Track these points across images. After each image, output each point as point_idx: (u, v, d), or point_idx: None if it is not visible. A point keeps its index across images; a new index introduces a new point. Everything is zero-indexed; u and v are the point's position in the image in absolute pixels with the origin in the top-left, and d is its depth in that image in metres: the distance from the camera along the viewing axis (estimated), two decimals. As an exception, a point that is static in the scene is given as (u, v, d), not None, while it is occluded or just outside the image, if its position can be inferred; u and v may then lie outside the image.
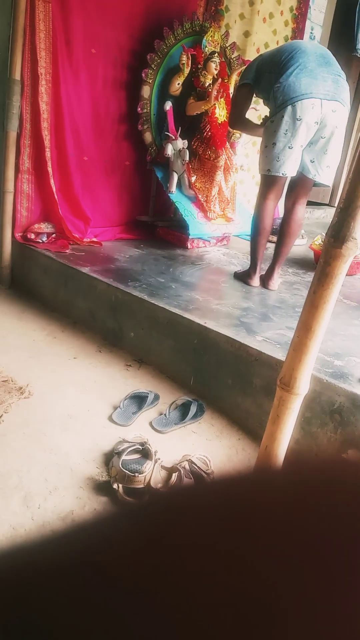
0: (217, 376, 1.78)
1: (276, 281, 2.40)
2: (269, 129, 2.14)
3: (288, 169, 2.15)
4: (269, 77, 2.14)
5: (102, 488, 1.33)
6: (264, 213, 2.30)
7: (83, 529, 0.15)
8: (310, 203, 3.67)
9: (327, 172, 2.24)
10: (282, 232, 2.32)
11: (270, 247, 2.48)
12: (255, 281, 2.40)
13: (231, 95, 3.12)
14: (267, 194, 2.26)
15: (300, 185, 2.26)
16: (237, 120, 2.40)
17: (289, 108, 2.04)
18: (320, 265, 1.02)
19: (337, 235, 0.97)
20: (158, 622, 0.12)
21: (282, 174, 2.16)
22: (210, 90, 2.92)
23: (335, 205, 3.59)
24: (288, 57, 2.08)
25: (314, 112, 2.05)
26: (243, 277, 2.45)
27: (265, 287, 2.39)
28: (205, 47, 2.96)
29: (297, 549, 0.13)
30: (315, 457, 0.16)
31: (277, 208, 2.61)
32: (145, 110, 2.91)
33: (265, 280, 2.41)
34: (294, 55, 2.07)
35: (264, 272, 2.44)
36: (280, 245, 2.34)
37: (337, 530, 0.13)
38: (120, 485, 1.30)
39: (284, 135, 2.09)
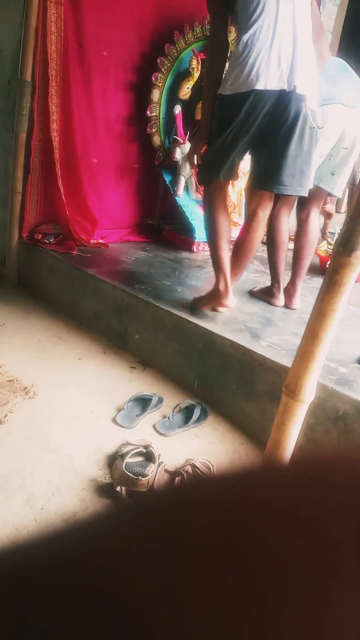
0: (221, 380, 1.78)
1: (298, 299, 2.20)
2: None
3: None
4: None
5: (105, 490, 1.33)
6: (280, 226, 2.12)
7: (80, 526, 0.15)
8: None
9: (343, 185, 2.12)
10: (300, 245, 2.17)
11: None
12: (280, 300, 2.19)
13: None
14: (280, 206, 2.10)
15: (314, 197, 2.10)
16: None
17: None
18: (329, 273, 1.02)
19: (346, 243, 0.98)
20: (155, 620, 0.12)
21: None
22: (219, 94, 2.93)
23: (341, 212, 3.55)
24: None
25: (336, 120, 1.92)
26: (265, 297, 2.24)
27: (288, 307, 2.19)
28: (216, 51, 2.97)
29: (301, 543, 0.13)
30: (321, 454, 0.16)
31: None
32: (154, 114, 2.92)
33: (286, 299, 2.22)
34: None
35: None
36: (299, 259, 2.17)
37: (345, 524, 0.13)
38: (123, 488, 1.30)
39: None
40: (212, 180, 1.84)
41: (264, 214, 1.90)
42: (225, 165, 1.78)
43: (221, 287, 1.89)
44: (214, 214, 1.88)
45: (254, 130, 1.71)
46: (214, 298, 1.92)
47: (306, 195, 1.87)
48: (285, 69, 1.63)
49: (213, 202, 1.89)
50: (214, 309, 1.96)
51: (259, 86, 1.62)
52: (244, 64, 1.62)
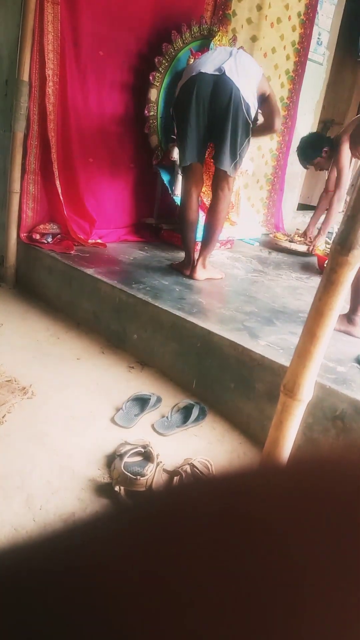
0: (220, 380, 1.78)
1: None
2: None
3: None
4: None
5: (103, 490, 1.33)
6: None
7: (79, 527, 0.15)
8: (311, 208, 3.68)
9: None
10: None
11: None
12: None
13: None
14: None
15: None
16: None
17: None
18: (326, 273, 1.02)
19: (344, 242, 0.98)
20: (152, 624, 0.11)
21: None
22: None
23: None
24: None
25: None
26: None
27: None
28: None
29: (300, 544, 0.13)
30: (320, 453, 0.16)
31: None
32: (152, 113, 2.91)
33: None
34: None
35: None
36: None
37: (343, 523, 0.13)
38: (122, 488, 1.30)
39: None
40: (182, 165, 2.36)
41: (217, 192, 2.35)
42: (187, 148, 2.27)
43: (185, 259, 2.44)
44: (183, 195, 2.42)
45: (203, 113, 2.18)
46: (182, 267, 2.48)
47: (226, 171, 2.24)
48: (217, 66, 2.18)
49: (186, 184, 2.41)
50: (183, 274, 2.46)
51: (195, 72, 2.18)
52: (190, 65, 2.31)
